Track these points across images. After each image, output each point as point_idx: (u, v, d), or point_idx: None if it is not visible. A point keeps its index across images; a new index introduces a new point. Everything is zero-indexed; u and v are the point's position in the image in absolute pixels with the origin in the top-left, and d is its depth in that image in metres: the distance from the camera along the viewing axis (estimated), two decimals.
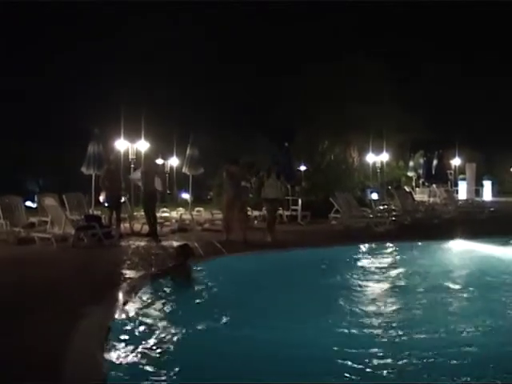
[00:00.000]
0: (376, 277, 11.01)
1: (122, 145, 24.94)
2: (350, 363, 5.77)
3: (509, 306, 8.33)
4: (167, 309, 8.02)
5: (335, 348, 6.29)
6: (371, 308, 8.22)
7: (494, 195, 43.47)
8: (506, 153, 52.89)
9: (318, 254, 13.54)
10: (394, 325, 7.29)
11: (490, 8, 40.26)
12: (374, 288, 9.73)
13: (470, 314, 8.03)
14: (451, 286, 9.82)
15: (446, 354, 6.04)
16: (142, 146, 26.54)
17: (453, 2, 39.15)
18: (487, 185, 44.16)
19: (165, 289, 9.06)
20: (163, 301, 8.43)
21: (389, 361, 5.88)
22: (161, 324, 7.16)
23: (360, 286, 9.93)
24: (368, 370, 5.63)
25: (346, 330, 6.96)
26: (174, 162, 40.18)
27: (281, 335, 6.71)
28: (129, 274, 10.45)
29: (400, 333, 6.93)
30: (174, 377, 5.41)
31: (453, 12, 41.94)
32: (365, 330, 7.03)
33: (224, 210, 16.37)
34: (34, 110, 38.06)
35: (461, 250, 14.97)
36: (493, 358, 5.99)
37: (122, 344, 6.21)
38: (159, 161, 33.13)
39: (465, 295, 9.28)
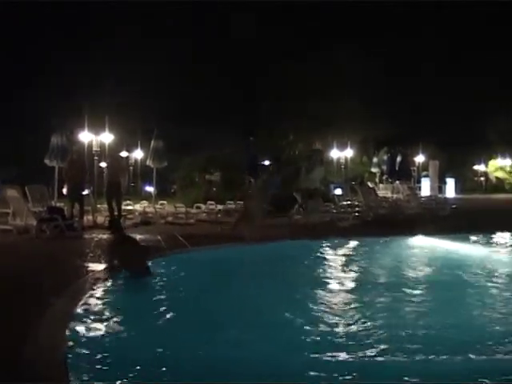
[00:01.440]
0: (336, 271, 11.10)
1: (86, 137, 24.74)
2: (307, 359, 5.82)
3: (466, 301, 8.47)
4: (120, 302, 8.04)
5: (293, 342, 6.38)
6: (330, 303, 8.25)
7: (456, 193, 44.13)
8: (468, 152, 53.75)
9: (281, 248, 13.63)
10: (352, 320, 7.33)
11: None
12: (335, 283, 9.78)
13: (429, 310, 8.13)
14: (412, 281, 9.94)
15: (405, 351, 6.11)
16: (107, 138, 26.40)
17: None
18: (450, 182, 44.81)
19: (121, 282, 9.07)
20: (117, 294, 8.50)
21: (346, 356, 5.93)
22: (115, 316, 7.20)
23: (321, 281, 9.96)
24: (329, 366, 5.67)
25: (305, 326, 6.97)
26: (138, 154, 40.06)
27: (234, 329, 6.78)
28: (91, 266, 10.35)
29: (359, 328, 6.97)
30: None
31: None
32: (324, 326, 7.05)
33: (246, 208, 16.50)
34: None
35: (422, 246, 15.18)
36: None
37: (82, 334, 6.20)
38: (123, 153, 32.91)
39: (424, 290, 9.39)
